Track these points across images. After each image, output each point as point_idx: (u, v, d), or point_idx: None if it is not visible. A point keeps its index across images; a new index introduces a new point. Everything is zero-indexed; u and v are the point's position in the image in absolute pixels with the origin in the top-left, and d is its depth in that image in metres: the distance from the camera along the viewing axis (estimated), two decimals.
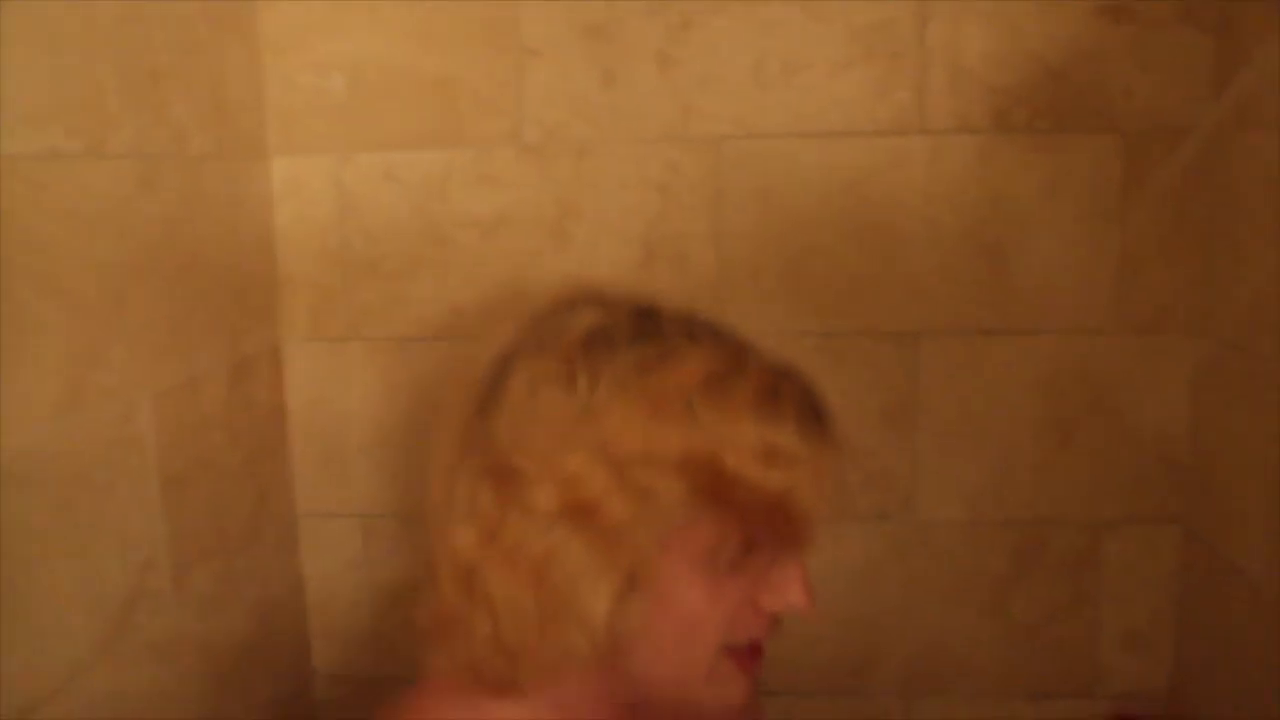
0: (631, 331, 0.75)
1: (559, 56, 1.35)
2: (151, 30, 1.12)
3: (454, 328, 1.42)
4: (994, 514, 1.42)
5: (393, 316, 1.43)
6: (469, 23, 1.36)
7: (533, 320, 0.79)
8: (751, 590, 0.76)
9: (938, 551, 1.44)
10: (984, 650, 1.46)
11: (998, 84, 1.31)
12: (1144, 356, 1.36)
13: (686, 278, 1.39)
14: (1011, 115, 1.32)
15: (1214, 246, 1.30)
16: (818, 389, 0.79)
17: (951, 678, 1.47)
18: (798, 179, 1.35)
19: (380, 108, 1.39)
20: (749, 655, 0.79)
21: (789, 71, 1.33)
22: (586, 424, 0.71)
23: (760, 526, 0.74)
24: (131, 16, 1.09)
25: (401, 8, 1.37)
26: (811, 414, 0.76)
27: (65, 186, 0.99)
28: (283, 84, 1.40)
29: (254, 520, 1.37)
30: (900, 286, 1.37)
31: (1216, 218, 1.30)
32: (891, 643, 1.47)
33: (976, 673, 1.47)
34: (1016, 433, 1.40)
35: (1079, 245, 1.34)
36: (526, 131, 1.37)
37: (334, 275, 1.43)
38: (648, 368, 0.72)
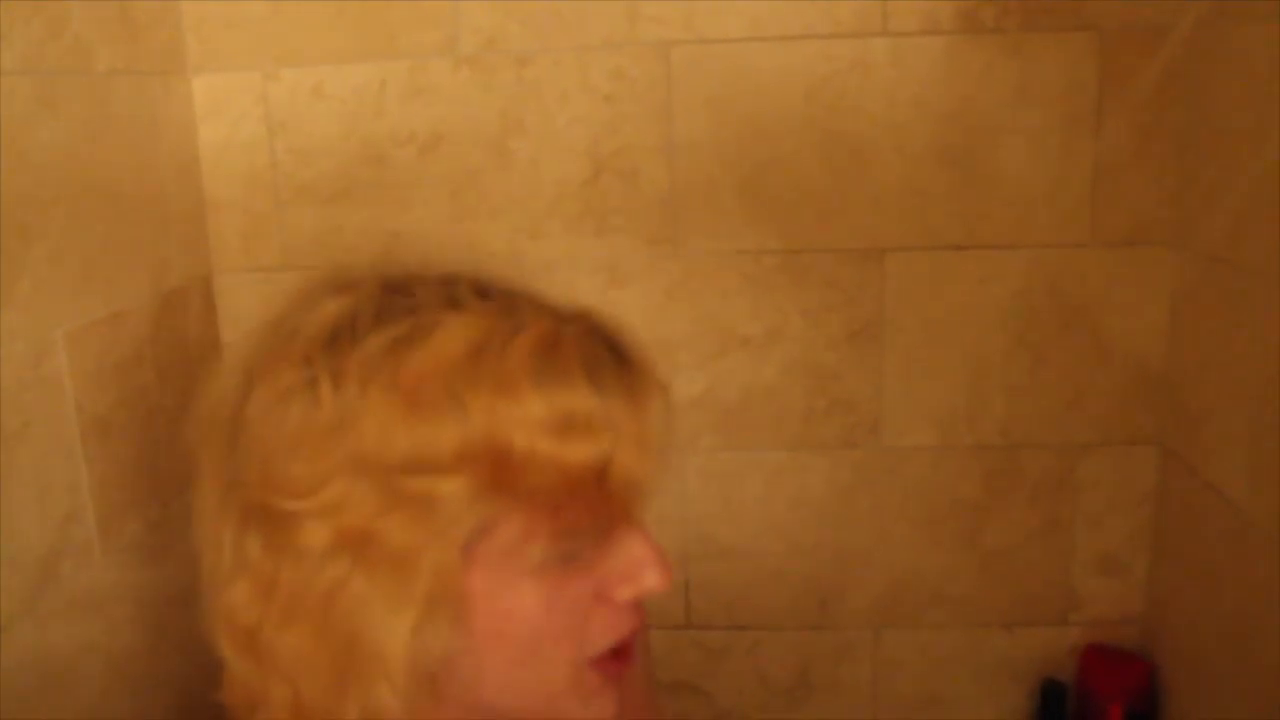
0: (376, 313, 0.62)
1: None
2: None
3: (392, 254, 1.33)
4: (964, 439, 1.37)
5: (328, 243, 1.36)
6: None
7: (271, 324, 0.66)
8: (599, 583, 0.64)
9: (906, 479, 1.39)
10: (955, 579, 1.43)
11: None
12: (1121, 271, 1.31)
13: (637, 195, 1.32)
14: (979, 15, 1.24)
15: (1195, 154, 1.24)
16: (615, 327, 0.66)
17: (922, 608, 1.44)
18: (753, 86, 1.28)
19: (307, 19, 1.30)
20: (615, 659, 0.67)
21: None
22: (339, 437, 0.59)
23: (579, 509, 0.61)
24: None
25: None
26: (609, 361, 0.63)
27: None
28: None
29: (191, 463, 1.30)
30: (864, 200, 1.31)
31: (1197, 123, 1.23)
32: (860, 574, 1.44)
33: (948, 602, 1.43)
34: (987, 353, 1.34)
35: (1052, 154, 1.28)
36: (463, 40, 1.29)
37: (265, 200, 1.35)
38: (397, 353, 0.60)
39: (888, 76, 1.26)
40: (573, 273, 1.32)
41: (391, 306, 0.63)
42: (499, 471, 0.58)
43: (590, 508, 0.62)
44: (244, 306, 1.39)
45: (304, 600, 0.61)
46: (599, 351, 0.62)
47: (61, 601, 1.04)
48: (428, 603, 0.60)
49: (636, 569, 0.64)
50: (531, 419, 0.58)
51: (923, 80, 1.26)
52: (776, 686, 1.49)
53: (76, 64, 1.09)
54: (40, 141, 1.02)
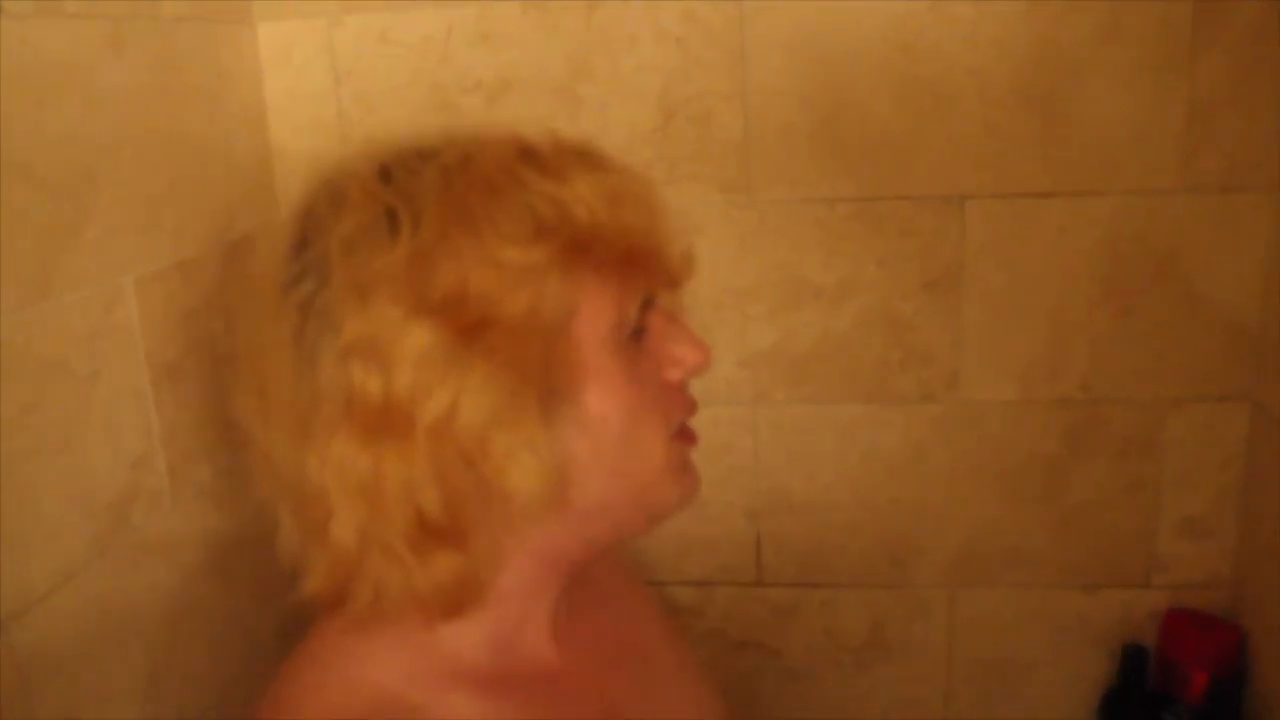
0: (411, 154, 0.68)
1: None
2: None
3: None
4: (1046, 393, 1.33)
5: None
6: None
7: (299, 214, 0.70)
8: (657, 372, 0.73)
9: (984, 434, 1.35)
10: (1034, 539, 1.38)
11: None
12: (1214, 218, 1.25)
13: (709, 141, 1.29)
14: None
15: None
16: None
17: (999, 568, 1.40)
18: (829, 28, 1.24)
19: None
20: (686, 435, 0.76)
21: None
22: (422, 263, 0.63)
23: (635, 277, 0.70)
24: None
25: None
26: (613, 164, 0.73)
27: (16, 49, 0.90)
28: None
29: None
30: (943, 145, 1.26)
31: None
32: (935, 531, 1.40)
33: (1026, 563, 1.39)
34: (1071, 304, 1.30)
35: (1142, 95, 1.22)
36: None
37: (331, 149, 1.33)
38: (455, 172, 0.66)
39: (967, 15, 1.22)
40: None
41: (415, 151, 0.69)
42: (577, 244, 0.65)
43: (646, 274, 0.71)
44: None
45: (420, 426, 0.63)
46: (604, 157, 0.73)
47: (132, 547, 1.04)
48: (546, 392, 0.65)
49: (679, 348, 0.74)
50: (587, 195, 0.66)
51: (1004, 19, 1.21)
52: (847, 645, 1.46)
53: (144, 8, 1.08)
54: (108, 85, 1.02)
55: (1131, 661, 1.34)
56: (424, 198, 0.65)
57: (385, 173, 0.67)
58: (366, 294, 0.63)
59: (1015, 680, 1.44)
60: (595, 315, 0.68)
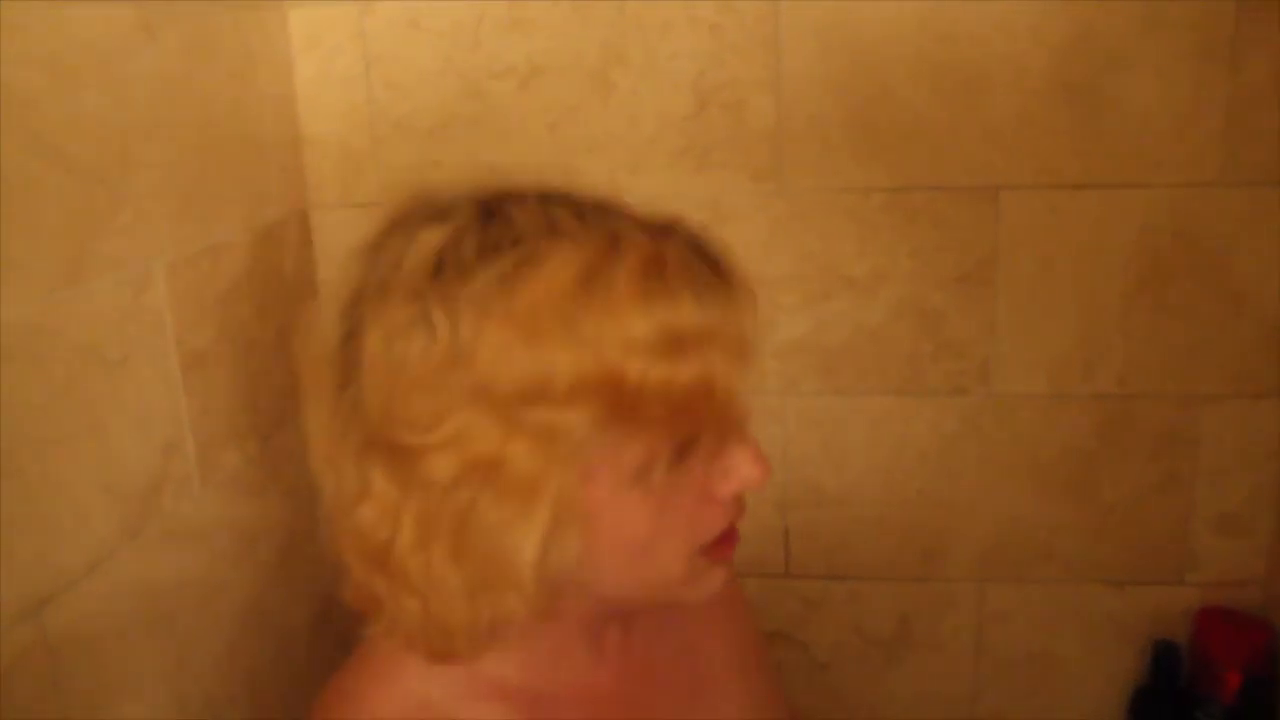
0: (480, 243, 0.62)
1: None
2: None
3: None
4: (1079, 387, 1.31)
5: (425, 179, 1.32)
6: None
7: (368, 254, 0.66)
8: (702, 485, 0.67)
9: (1016, 428, 1.34)
10: (1065, 534, 1.37)
11: None
12: (1253, 212, 1.23)
13: (742, 129, 1.28)
14: None
15: None
16: (704, 236, 0.67)
17: (1030, 563, 1.39)
18: (864, 16, 1.22)
19: None
20: (722, 544, 0.71)
21: None
22: (458, 369, 0.60)
23: (689, 425, 0.63)
24: None
25: None
26: (707, 273, 0.64)
27: (49, 33, 0.89)
28: None
29: (288, 399, 1.30)
30: (978, 135, 1.25)
31: None
32: (965, 525, 1.39)
33: (1057, 558, 1.38)
34: (1106, 298, 1.28)
35: (1182, 86, 1.20)
36: None
37: (361, 135, 1.33)
38: (508, 284, 0.60)
39: (1004, 4, 1.20)
40: (674, 209, 1.27)
41: (493, 235, 0.63)
42: (617, 398, 0.60)
43: (701, 422, 0.64)
44: (340, 242, 1.36)
45: (432, 524, 0.63)
46: (698, 265, 0.64)
47: (162, 533, 1.04)
48: (553, 521, 0.62)
49: (737, 467, 0.68)
50: (641, 342, 0.59)
51: (1042, 7, 1.20)
52: (875, 639, 1.45)
53: None
54: (140, 69, 1.02)
55: (1163, 659, 1.33)
56: (464, 311, 0.60)
57: (439, 266, 0.62)
58: (393, 404, 0.63)
59: (1044, 676, 1.43)
60: (624, 458, 0.63)
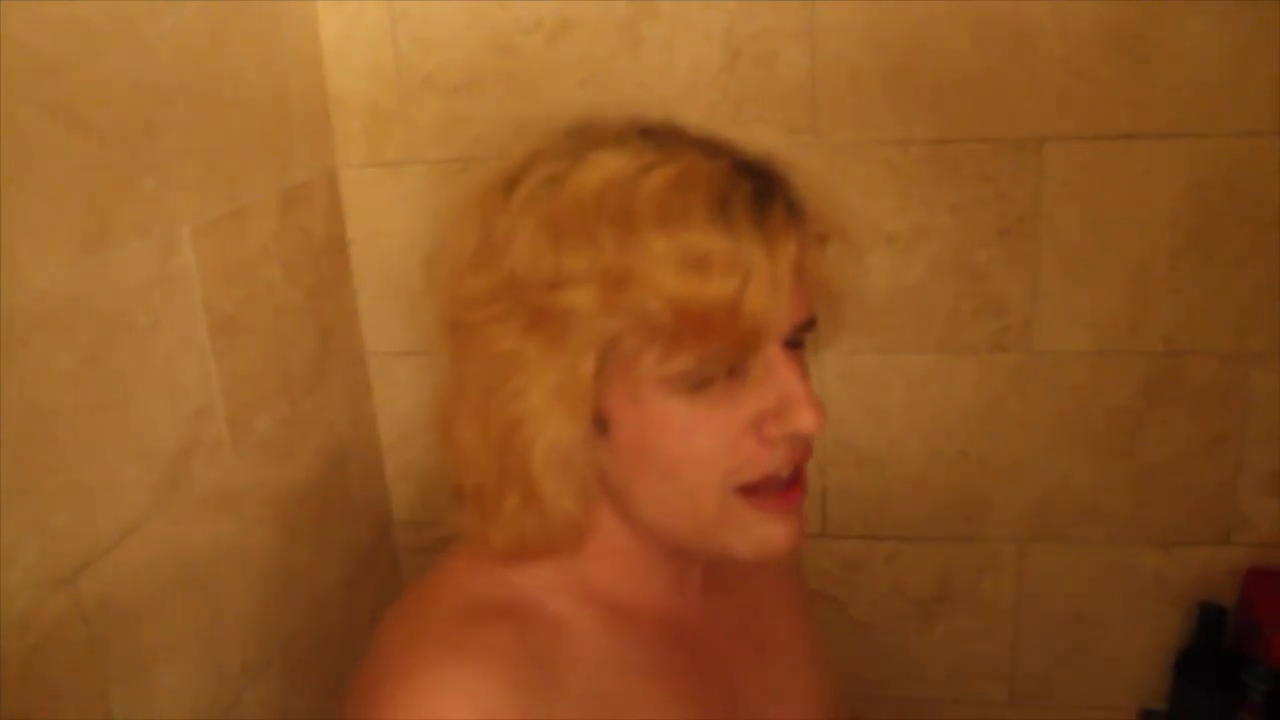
0: (550, 151, 0.69)
1: None
2: None
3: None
4: (1124, 344, 1.28)
5: (454, 136, 1.31)
6: None
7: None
8: (752, 418, 0.67)
9: (1060, 386, 1.31)
10: (1109, 494, 1.35)
11: None
12: None
13: (776, 81, 1.24)
14: None
15: None
16: (769, 165, 0.69)
17: (1072, 523, 1.37)
18: None
19: None
20: (774, 493, 0.69)
21: None
22: (500, 260, 0.67)
23: (709, 339, 0.63)
24: None
25: None
26: (747, 198, 0.64)
27: None
28: None
29: (318, 361, 1.29)
30: (1021, 85, 1.21)
31: None
32: (1007, 485, 1.37)
33: (1100, 518, 1.36)
34: (1154, 253, 1.24)
35: (1236, 32, 1.16)
36: None
37: (388, 93, 1.31)
38: (549, 188, 0.66)
39: None
40: None
41: (562, 146, 0.68)
42: (625, 292, 0.62)
43: (721, 339, 0.63)
44: (368, 202, 1.36)
45: (479, 399, 0.69)
46: (737, 189, 0.64)
47: (193, 498, 1.04)
48: (572, 410, 0.65)
49: (791, 409, 0.66)
50: (654, 255, 0.62)
51: None
52: (914, 598, 1.44)
53: None
54: (163, 31, 1.00)
55: (1209, 621, 1.31)
56: (515, 211, 0.67)
57: (510, 182, 0.69)
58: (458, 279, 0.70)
59: (1086, 638, 1.41)
60: (641, 356, 0.64)
